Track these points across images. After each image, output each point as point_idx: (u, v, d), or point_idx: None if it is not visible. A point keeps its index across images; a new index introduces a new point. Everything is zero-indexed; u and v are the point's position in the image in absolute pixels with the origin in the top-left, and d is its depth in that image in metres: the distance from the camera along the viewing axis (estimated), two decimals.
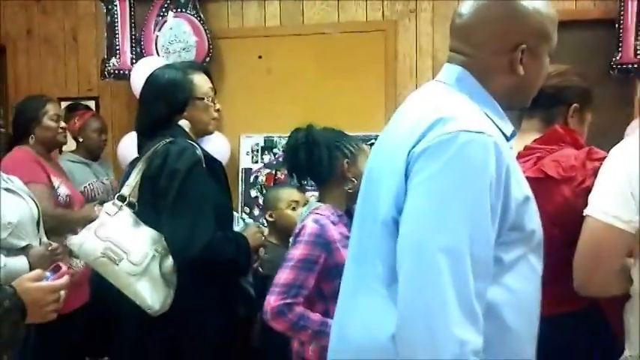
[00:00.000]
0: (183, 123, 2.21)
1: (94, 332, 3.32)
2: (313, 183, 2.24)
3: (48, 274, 1.46)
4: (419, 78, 4.23)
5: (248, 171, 4.43)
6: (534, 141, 1.94)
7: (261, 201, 4.31)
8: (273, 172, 4.39)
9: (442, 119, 1.23)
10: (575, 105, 1.97)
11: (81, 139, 3.66)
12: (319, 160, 2.09)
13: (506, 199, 1.23)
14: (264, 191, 4.27)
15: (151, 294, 1.97)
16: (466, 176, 1.19)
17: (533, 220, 1.33)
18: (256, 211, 4.34)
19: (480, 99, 1.35)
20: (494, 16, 1.35)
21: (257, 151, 4.44)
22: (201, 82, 2.25)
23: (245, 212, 4.34)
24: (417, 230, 1.19)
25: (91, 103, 4.61)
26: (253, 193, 4.39)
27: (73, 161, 3.50)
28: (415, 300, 1.17)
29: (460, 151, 1.19)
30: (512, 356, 1.27)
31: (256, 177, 4.42)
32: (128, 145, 3.96)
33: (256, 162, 4.45)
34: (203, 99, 2.24)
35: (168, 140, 2.10)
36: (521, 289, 1.29)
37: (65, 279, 1.48)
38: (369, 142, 2.56)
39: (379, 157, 1.40)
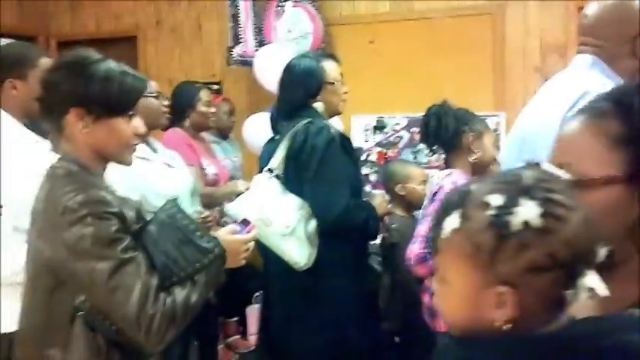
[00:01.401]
0: (318, 105, 2.50)
1: (227, 294, 3.70)
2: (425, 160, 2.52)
3: (238, 227, 1.77)
4: (526, 59, 4.35)
5: (359, 150, 4.70)
6: None
7: (372, 178, 4.57)
8: (384, 150, 4.65)
9: (588, 92, 1.54)
10: None
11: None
12: (446, 127, 2.39)
13: None
14: (376, 169, 4.55)
15: (297, 252, 2.28)
16: None
17: None
18: (367, 188, 4.60)
19: (612, 79, 1.65)
20: (614, 15, 1.70)
21: (368, 130, 4.70)
22: (331, 68, 2.54)
23: None
24: None
25: (214, 88, 5.01)
26: (364, 170, 4.65)
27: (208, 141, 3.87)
28: None
29: None
30: None
31: (367, 155, 4.69)
32: (251, 127, 4.34)
33: (367, 141, 4.71)
34: (333, 83, 2.52)
35: (307, 121, 2.40)
36: None
37: (254, 233, 1.79)
38: None
39: (532, 124, 1.71)
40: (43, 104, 1.60)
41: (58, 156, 1.61)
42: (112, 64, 1.60)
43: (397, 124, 4.63)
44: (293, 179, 2.37)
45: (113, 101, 1.57)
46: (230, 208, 2.34)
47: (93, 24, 5.50)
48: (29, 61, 2.18)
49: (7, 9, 5.25)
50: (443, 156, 2.55)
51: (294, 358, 2.53)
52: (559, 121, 1.53)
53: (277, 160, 2.40)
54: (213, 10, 5.12)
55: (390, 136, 4.64)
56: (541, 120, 1.65)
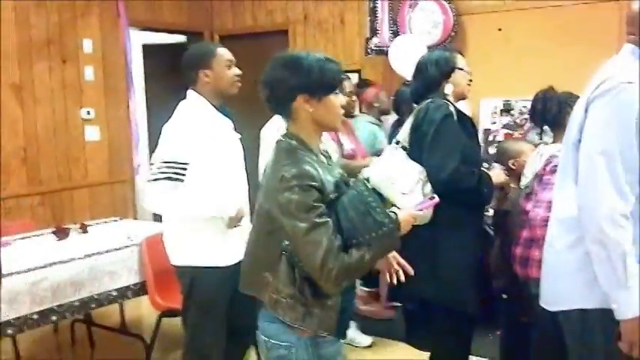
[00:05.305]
0: (448, 87, 2.94)
1: None
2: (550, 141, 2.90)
3: (421, 204, 2.20)
4: None
5: (487, 131, 5.05)
6: None
7: None
8: (511, 132, 4.97)
9: (609, 77, 1.88)
10: None
11: (376, 104, 4.59)
12: (550, 110, 2.80)
13: None
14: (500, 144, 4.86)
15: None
16: (619, 107, 1.85)
17: None
18: (494, 166, 4.93)
19: None
20: None
21: (495, 113, 5.03)
22: (460, 58, 3.02)
23: (484, 167, 4.95)
24: (587, 142, 1.89)
25: (354, 75, 5.55)
26: (491, 150, 4.98)
27: (372, 122, 4.46)
28: (585, 186, 1.87)
29: (617, 95, 1.84)
30: None
31: (494, 136, 5.03)
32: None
33: (494, 123, 5.05)
34: (463, 69, 2.97)
35: (429, 100, 2.86)
36: None
37: (427, 211, 2.23)
38: None
39: (578, 104, 2.08)
40: (270, 98, 2.00)
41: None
42: (316, 55, 1.98)
43: (524, 106, 4.92)
44: (415, 149, 2.83)
45: (328, 83, 1.97)
46: (364, 172, 2.85)
47: (250, 20, 6.25)
48: (210, 52, 2.80)
49: (177, 9, 6.12)
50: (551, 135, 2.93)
51: (415, 305, 3.00)
52: (585, 101, 1.87)
53: (404, 133, 2.88)
54: (354, 5, 5.67)
55: (516, 118, 4.94)
56: (580, 101, 1.98)
